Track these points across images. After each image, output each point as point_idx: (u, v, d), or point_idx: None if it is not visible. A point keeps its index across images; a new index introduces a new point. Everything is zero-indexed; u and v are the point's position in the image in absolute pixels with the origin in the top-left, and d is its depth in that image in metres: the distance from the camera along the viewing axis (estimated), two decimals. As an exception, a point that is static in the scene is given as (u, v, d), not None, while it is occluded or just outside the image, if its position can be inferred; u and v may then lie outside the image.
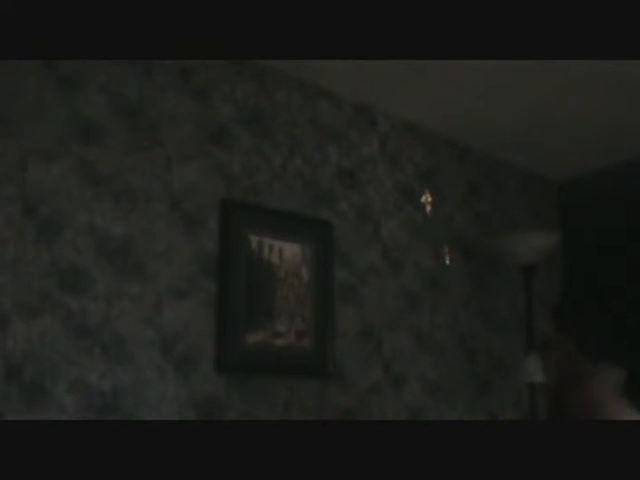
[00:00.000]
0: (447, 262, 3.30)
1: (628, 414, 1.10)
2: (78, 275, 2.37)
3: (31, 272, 2.28)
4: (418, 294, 3.42)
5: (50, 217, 2.35)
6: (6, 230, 2.25)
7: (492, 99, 3.31)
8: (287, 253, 2.92)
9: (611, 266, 1.18)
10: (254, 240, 2.82)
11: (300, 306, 2.91)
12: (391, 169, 3.45)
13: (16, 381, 2.20)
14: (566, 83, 3.17)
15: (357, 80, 3.15)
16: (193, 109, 2.78)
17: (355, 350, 3.10)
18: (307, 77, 3.14)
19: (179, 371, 2.55)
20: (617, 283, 1.14)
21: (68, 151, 2.42)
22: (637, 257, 1.19)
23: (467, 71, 3.07)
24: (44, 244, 2.32)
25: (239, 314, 2.72)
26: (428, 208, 3.51)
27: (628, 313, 1.12)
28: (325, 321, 2.99)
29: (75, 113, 2.47)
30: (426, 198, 3.50)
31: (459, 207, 3.72)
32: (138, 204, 2.56)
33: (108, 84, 2.56)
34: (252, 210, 2.85)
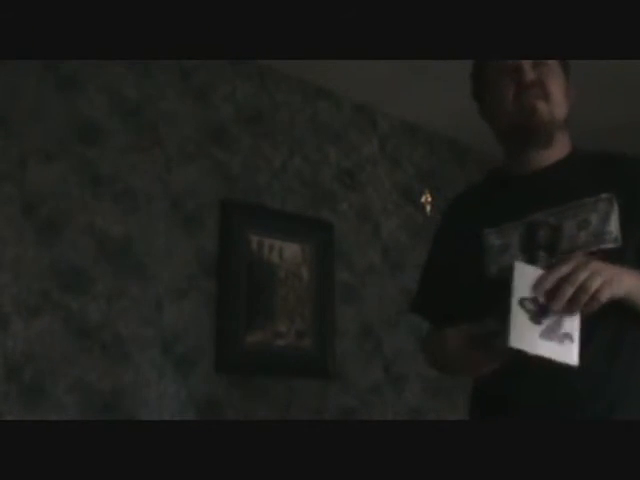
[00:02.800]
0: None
1: None
2: (78, 275, 2.37)
3: (31, 272, 2.27)
4: (418, 294, 3.41)
5: (50, 217, 2.34)
6: (6, 230, 2.25)
7: (492, 99, 3.31)
8: (287, 253, 2.91)
9: None
10: (254, 240, 2.82)
11: (300, 306, 2.91)
12: (391, 169, 3.44)
13: (16, 381, 2.20)
14: (566, 83, 3.16)
15: (357, 80, 3.15)
16: (193, 109, 2.78)
17: (355, 350, 3.09)
18: (307, 77, 3.14)
19: (179, 371, 2.54)
20: None
21: (68, 151, 2.42)
22: None
23: (467, 71, 3.06)
24: (44, 244, 2.32)
25: (239, 314, 2.72)
26: (428, 208, 3.51)
27: None
28: (325, 321, 2.98)
29: (75, 113, 2.46)
30: (426, 198, 3.50)
31: (459, 207, 3.72)
32: (138, 204, 2.56)
33: (108, 84, 2.56)
34: (252, 210, 2.85)
